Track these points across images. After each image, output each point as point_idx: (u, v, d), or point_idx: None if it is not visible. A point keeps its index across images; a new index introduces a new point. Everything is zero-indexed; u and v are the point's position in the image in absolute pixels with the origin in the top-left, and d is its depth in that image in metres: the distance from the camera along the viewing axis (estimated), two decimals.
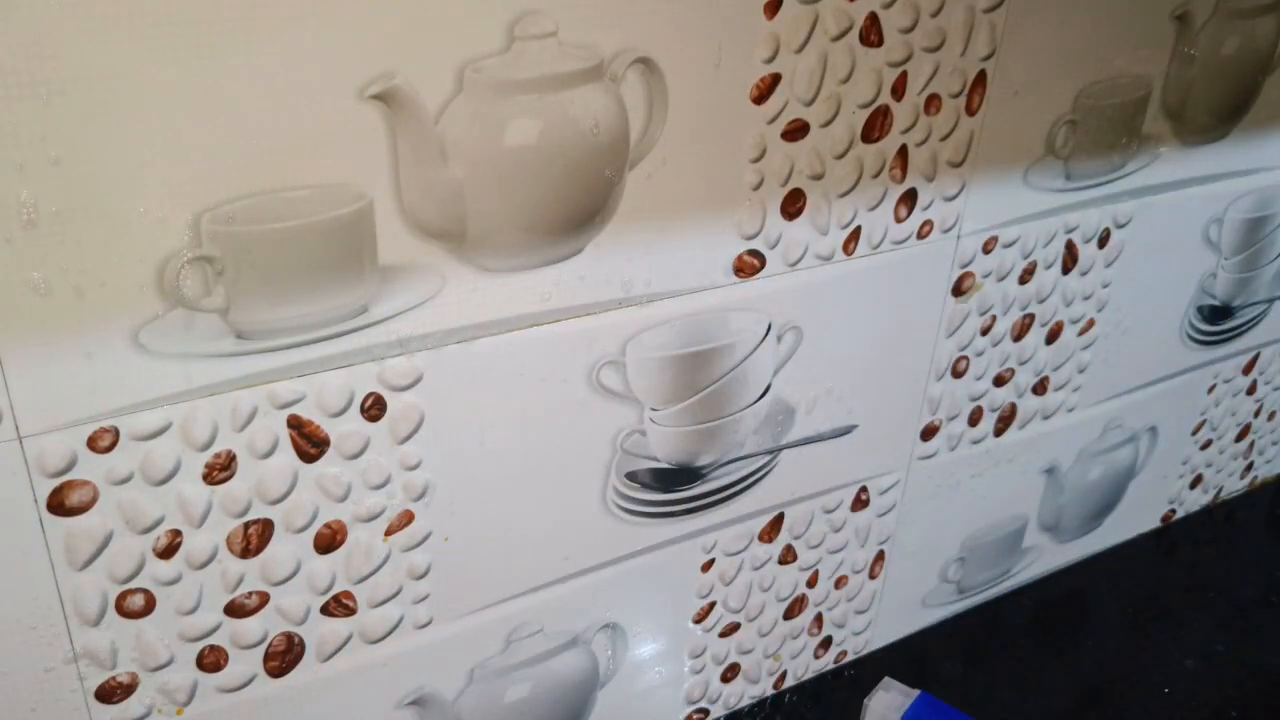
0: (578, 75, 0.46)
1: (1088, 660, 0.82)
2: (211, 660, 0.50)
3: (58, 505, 0.43)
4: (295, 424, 0.47)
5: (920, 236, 0.62)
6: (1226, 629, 0.85)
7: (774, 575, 0.70)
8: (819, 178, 0.56)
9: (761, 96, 0.51)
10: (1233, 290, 0.84)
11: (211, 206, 0.40)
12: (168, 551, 0.46)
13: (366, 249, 0.44)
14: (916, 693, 0.71)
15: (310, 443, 0.47)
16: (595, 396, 0.55)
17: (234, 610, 0.49)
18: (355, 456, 0.49)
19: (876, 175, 0.58)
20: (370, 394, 0.48)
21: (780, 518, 0.67)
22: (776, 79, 0.51)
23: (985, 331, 0.70)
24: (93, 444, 0.43)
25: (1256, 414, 0.97)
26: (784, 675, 0.76)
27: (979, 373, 0.71)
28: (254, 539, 0.48)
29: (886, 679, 0.73)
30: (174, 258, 0.41)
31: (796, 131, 0.54)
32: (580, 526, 0.58)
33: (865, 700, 0.71)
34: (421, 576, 0.54)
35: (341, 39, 0.40)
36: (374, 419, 0.48)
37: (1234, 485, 1.01)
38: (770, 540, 0.68)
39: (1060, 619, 0.86)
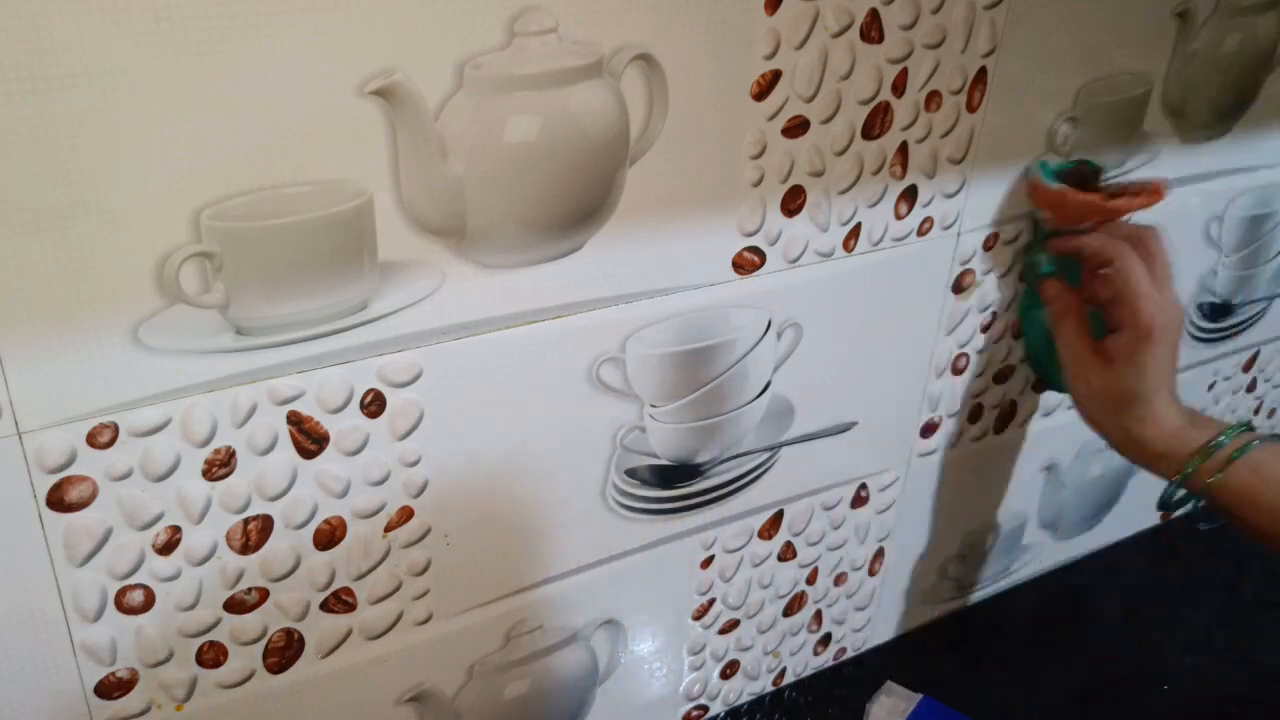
0: (578, 71, 0.45)
1: (1087, 657, 0.82)
2: (211, 656, 0.50)
3: (57, 501, 0.43)
4: (295, 420, 0.47)
5: (921, 233, 0.62)
6: (1226, 627, 0.85)
7: (773, 572, 0.70)
8: (819, 174, 0.56)
9: (762, 93, 0.51)
10: (1233, 287, 0.84)
11: (211, 202, 0.40)
12: (167, 548, 0.46)
13: (366, 245, 0.44)
14: (918, 697, 0.71)
15: (310, 439, 0.47)
16: (595, 393, 0.55)
17: (233, 606, 0.49)
18: (355, 453, 0.49)
19: (877, 172, 0.58)
20: (370, 390, 0.48)
21: (780, 514, 0.67)
22: (777, 75, 0.51)
23: (985, 329, 0.70)
24: (92, 440, 0.42)
25: (1256, 411, 0.97)
26: (783, 672, 0.76)
27: (979, 369, 0.71)
28: (253, 535, 0.48)
29: (889, 683, 0.73)
30: (173, 253, 0.41)
31: (797, 128, 0.53)
32: (580, 523, 0.58)
33: (867, 704, 0.71)
34: (421, 573, 0.54)
35: (341, 35, 0.40)
36: (373, 415, 0.48)
37: None
38: (770, 537, 0.68)
39: (1060, 616, 0.86)
